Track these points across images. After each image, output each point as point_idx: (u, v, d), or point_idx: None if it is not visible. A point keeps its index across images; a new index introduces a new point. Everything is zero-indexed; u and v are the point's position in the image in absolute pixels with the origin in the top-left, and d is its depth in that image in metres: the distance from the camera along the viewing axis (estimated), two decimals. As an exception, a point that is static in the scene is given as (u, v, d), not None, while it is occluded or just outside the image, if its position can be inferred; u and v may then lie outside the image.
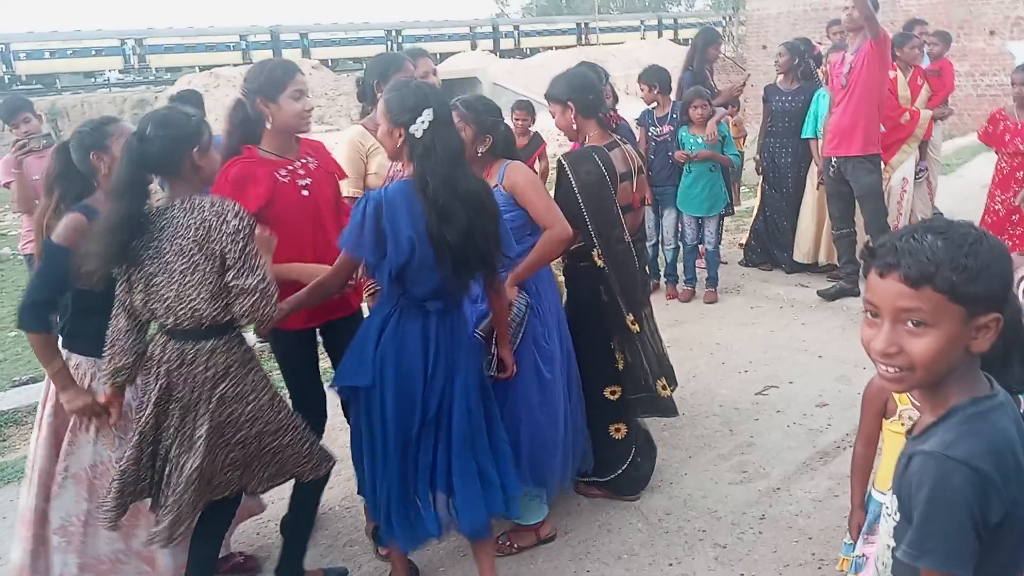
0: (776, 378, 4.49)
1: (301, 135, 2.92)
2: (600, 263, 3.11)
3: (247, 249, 2.29)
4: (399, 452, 2.51)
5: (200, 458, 2.35)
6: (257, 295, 2.29)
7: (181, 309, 2.30)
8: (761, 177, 6.46)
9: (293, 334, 2.89)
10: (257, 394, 2.46)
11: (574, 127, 3.23)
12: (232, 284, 2.28)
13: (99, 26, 39.20)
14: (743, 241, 6.86)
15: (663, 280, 6.04)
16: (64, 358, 2.60)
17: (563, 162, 3.11)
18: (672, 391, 3.43)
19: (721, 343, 5.07)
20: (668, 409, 3.40)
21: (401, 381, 2.48)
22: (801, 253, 6.25)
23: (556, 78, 3.31)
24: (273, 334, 2.73)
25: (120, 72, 37.00)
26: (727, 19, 35.83)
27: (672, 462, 3.65)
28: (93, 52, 36.31)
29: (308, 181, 2.84)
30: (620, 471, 3.30)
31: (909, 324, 1.23)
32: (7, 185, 4.72)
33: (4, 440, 4.46)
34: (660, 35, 44.86)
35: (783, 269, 6.35)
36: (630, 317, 3.17)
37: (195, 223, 2.27)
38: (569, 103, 3.19)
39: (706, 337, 5.17)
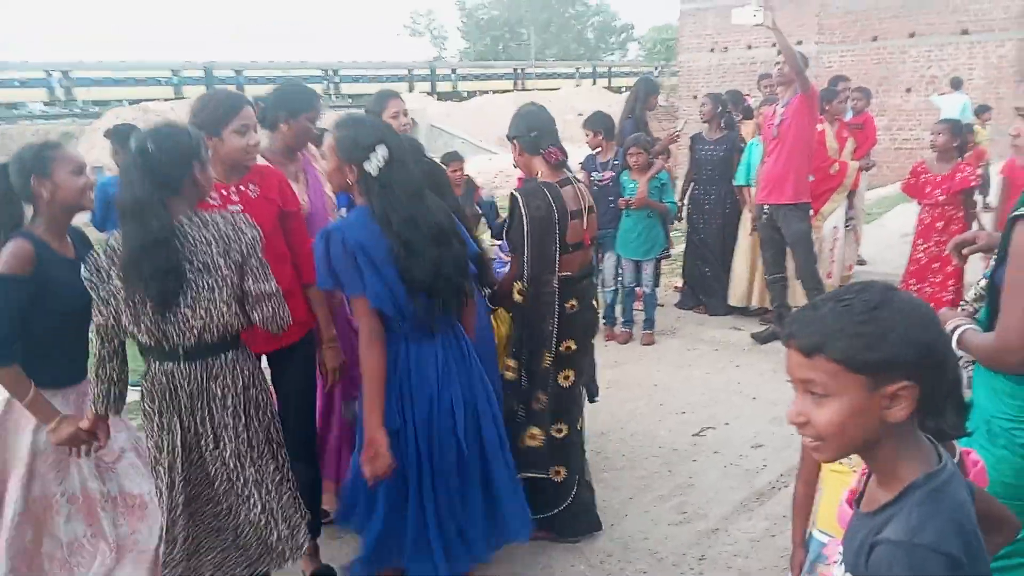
0: (713, 419, 4.56)
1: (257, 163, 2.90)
2: (519, 299, 3.12)
3: (260, 255, 2.34)
4: (436, 486, 2.54)
5: (270, 459, 2.42)
6: (275, 299, 2.35)
7: (211, 324, 2.27)
8: (685, 223, 6.68)
9: None
10: (271, 403, 2.52)
11: (521, 163, 3.29)
12: (253, 290, 2.30)
13: (24, 58, 38.09)
14: (678, 284, 7.01)
15: (602, 322, 6.10)
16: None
17: (515, 195, 3.13)
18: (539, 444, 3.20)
19: (659, 384, 5.13)
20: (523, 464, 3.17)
21: (430, 412, 2.52)
22: (735, 297, 6.42)
23: (512, 117, 3.34)
24: None
25: (44, 104, 35.98)
26: (659, 69, 37.00)
27: (613, 503, 3.65)
28: (16, 83, 35.28)
29: (239, 208, 2.79)
30: (558, 511, 3.27)
31: (812, 394, 1.22)
32: None
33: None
34: (595, 83, 45.94)
35: (708, 312, 6.53)
36: (512, 363, 3.15)
37: (214, 237, 2.25)
38: (514, 141, 3.25)
39: (645, 379, 5.23)
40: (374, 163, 2.42)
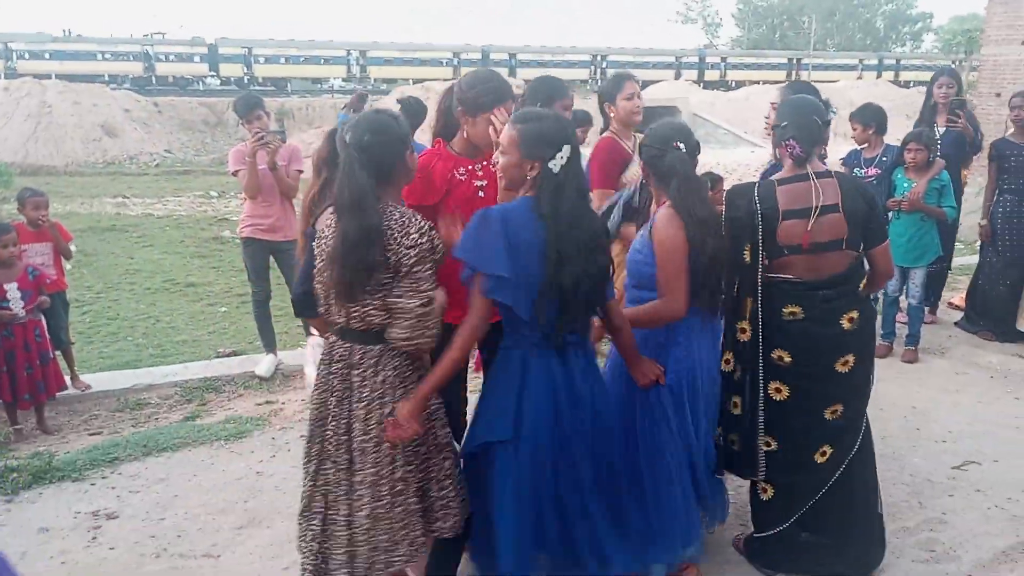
0: (979, 454, 4.06)
1: None
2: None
3: (417, 269, 2.22)
4: (550, 503, 2.42)
5: (399, 466, 2.30)
6: (413, 320, 2.22)
7: (355, 310, 2.26)
8: (981, 239, 5.92)
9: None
10: (428, 411, 2.40)
11: (777, 154, 3.10)
12: (392, 302, 2.23)
13: (330, 37, 42.49)
14: (954, 300, 6.32)
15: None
16: None
17: (727, 194, 2.99)
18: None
19: (917, 407, 4.65)
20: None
21: (545, 428, 2.39)
22: (1024, 322, 5.66)
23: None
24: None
25: (343, 80, 39.90)
26: (957, 63, 33.37)
27: (849, 527, 3.37)
28: (322, 60, 39.41)
29: (484, 183, 2.86)
30: (764, 534, 3.04)
31: None
32: (235, 173, 5.14)
33: (204, 405, 4.86)
34: (879, 76, 42.49)
35: (997, 339, 5.80)
36: (728, 355, 3.00)
37: (386, 229, 2.22)
38: (775, 131, 3.02)
39: (900, 399, 4.76)
40: (558, 162, 2.33)
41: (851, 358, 2.88)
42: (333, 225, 2.27)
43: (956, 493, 3.69)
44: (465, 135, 2.85)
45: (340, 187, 2.26)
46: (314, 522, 2.35)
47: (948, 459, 4.01)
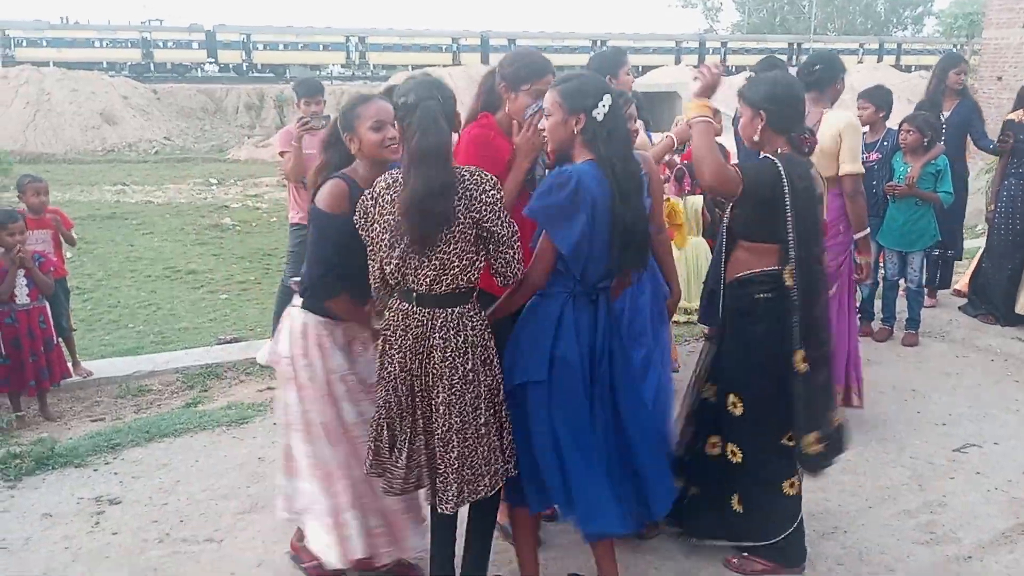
0: (979, 436, 4.07)
1: None
2: (790, 283, 2.72)
3: (504, 215, 2.37)
4: (580, 442, 2.52)
5: (481, 412, 2.42)
6: (515, 245, 2.38)
7: (441, 276, 2.33)
8: (988, 223, 5.90)
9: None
10: (494, 364, 2.50)
11: (756, 138, 2.84)
12: (489, 235, 2.34)
13: (328, 23, 42.28)
14: (958, 287, 6.32)
15: (858, 317, 5.65)
16: (301, 320, 2.66)
17: (775, 162, 2.74)
18: (823, 448, 2.79)
19: (917, 390, 4.66)
20: (812, 466, 2.86)
21: (574, 371, 2.49)
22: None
23: (757, 79, 2.96)
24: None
25: (342, 66, 39.75)
26: (959, 47, 33.23)
27: (849, 509, 3.39)
28: (321, 47, 39.25)
29: None
30: (787, 533, 2.89)
31: None
32: (282, 154, 5.13)
33: (206, 391, 4.87)
34: (880, 60, 42.35)
35: (998, 322, 5.80)
36: (801, 353, 2.73)
37: (463, 189, 2.30)
38: (761, 112, 2.79)
39: (901, 382, 4.77)
40: (601, 110, 2.42)
41: None
42: (400, 182, 2.31)
43: (956, 475, 3.70)
44: (507, 110, 2.88)
45: (421, 138, 2.28)
46: (399, 464, 2.48)
47: (948, 442, 4.02)
